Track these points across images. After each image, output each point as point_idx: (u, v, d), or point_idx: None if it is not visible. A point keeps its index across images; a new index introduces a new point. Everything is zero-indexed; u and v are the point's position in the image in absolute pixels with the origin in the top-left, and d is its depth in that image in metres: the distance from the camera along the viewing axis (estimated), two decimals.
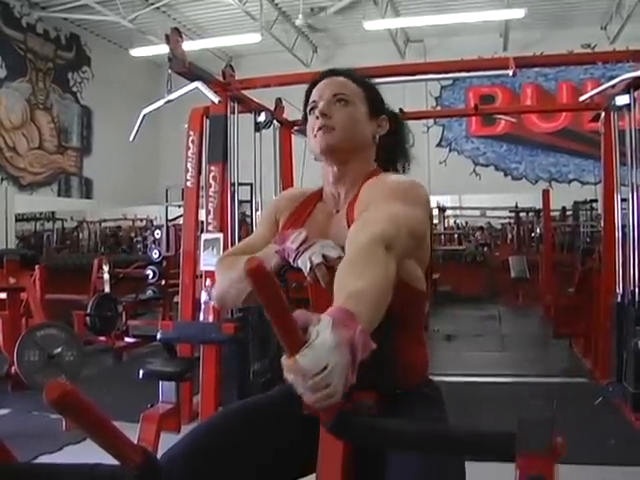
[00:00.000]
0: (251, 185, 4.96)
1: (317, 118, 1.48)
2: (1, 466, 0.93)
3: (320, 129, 1.47)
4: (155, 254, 7.14)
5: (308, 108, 1.54)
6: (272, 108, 5.05)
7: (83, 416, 0.78)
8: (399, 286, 1.18)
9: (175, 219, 8.12)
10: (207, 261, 4.14)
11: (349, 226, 1.38)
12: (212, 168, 4.30)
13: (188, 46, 4.27)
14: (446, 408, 1.49)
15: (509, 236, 13.70)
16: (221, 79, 4.42)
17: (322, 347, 0.90)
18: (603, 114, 4.98)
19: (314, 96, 1.53)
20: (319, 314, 0.97)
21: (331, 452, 1.32)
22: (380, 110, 1.59)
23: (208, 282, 4.07)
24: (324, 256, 1.27)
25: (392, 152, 1.64)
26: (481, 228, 14.29)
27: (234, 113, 4.42)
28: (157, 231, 7.54)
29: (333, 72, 1.58)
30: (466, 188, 13.51)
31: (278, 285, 0.88)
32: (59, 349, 4.22)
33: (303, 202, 1.60)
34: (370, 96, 1.56)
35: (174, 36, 3.93)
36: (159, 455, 1.30)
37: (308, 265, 1.28)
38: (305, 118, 1.58)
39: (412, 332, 1.52)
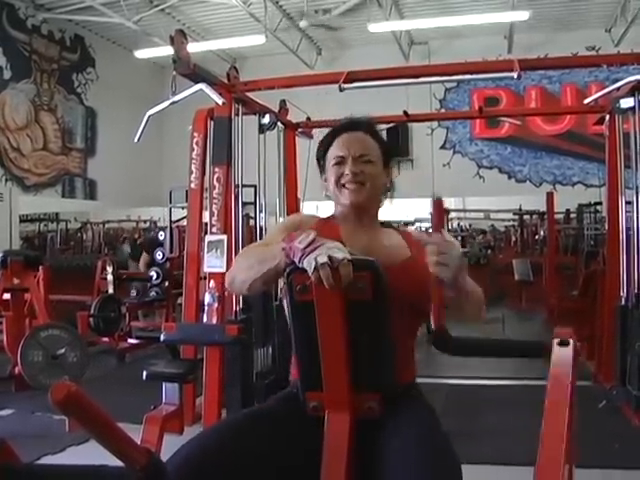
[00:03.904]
0: (255, 187, 4.95)
1: (346, 174, 1.73)
2: (6, 467, 0.93)
3: (351, 184, 1.73)
4: (159, 256, 7.14)
5: (333, 161, 1.77)
6: (276, 110, 5.05)
7: (88, 417, 0.78)
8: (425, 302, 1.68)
9: (179, 220, 8.12)
10: (211, 263, 4.14)
11: (411, 248, 1.74)
12: (216, 170, 4.30)
13: (192, 48, 4.27)
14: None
15: (513, 239, 13.69)
16: (225, 81, 4.42)
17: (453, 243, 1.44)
18: (607, 117, 4.97)
19: (340, 150, 1.76)
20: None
21: (336, 453, 1.32)
22: (390, 159, 1.84)
23: (212, 284, 4.07)
24: (330, 257, 1.28)
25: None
26: (485, 231, 14.27)
27: (238, 115, 4.42)
28: (161, 232, 7.54)
29: (353, 126, 1.81)
30: (470, 190, 13.49)
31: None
32: (62, 350, 4.23)
33: (322, 221, 1.82)
34: (384, 150, 1.81)
35: (178, 38, 3.93)
36: (163, 457, 1.30)
37: (313, 265, 1.29)
38: (320, 163, 1.85)
39: (412, 341, 1.70)
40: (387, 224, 1.87)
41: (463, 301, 1.58)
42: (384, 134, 2.02)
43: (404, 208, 9.71)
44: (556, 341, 1.42)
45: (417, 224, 12.47)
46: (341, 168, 1.74)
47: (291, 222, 1.85)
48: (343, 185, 1.74)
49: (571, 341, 1.41)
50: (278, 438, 1.46)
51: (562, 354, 1.41)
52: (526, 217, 12.82)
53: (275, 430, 1.48)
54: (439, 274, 1.41)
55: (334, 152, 1.77)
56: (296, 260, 1.34)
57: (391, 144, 1.93)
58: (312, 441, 1.41)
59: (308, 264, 1.30)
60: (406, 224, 11.53)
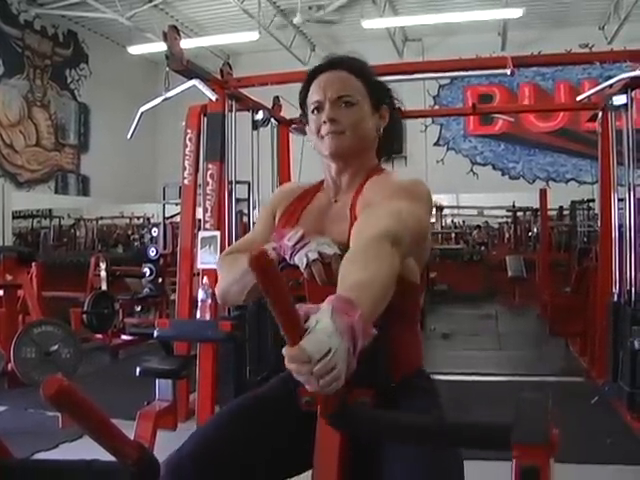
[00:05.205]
0: (248, 183, 4.96)
1: (324, 122, 1.50)
2: None
3: (329, 133, 1.49)
4: (152, 252, 7.13)
5: (311, 107, 1.54)
6: (270, 106, 5.04)
7: (80, 412, 0.78)
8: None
9: (172, 217, 8.12)
10: (204, 259, 4.14)
11: (351, 217, 1.43)
12: (209, 166, 4.30)
13: (186, 44, 4.27)
14: (441, 398, 1.51)
15: (506, 235, 13.72)
16: (219, 77, 4.41)
17: (324, 332, 0.93)
18: (600, 114, 4.99)
19: (317, 94, 1.53)
20: (319, 305, 0.98)
21: (328, 446, 1.32)
22: (381, 100, 1.59)
23: (205, 280, 4.07)
24: (320, 253, 1.28)
25: (389, 138, 1.63)
26: (478, 227, 14.30)
27: (232, 111, 4.42)
28: (154, 229, 7.53)
29: (332, 64, 1.58)
30: (463, 187, 13.51)
31: (281, 276, 0.90)
32: (55, 346, 4.22)
33: (300, 195, 1.62)
34: (371, 89, 1.57)
35: (172, 34, 3.93)
36: (156, 452, 1.30)
37: (304, 261, 1.29)
38: (304, 111, 1.60)
39: (407, 324, 1.54)
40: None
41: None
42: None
43: None
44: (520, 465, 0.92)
45: None
46: (320, 115, 1.52)
47: (273, 203, 1.66)
48: (323, 136, 1.51)
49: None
50: (271, 424, 1.47)
51: None
52: (519, 214, 12.85)
53: (269, 417, 1.49)
54: (325, 394, 0.98)
55: (311, 97, 1.55)
56: (287, 257, 1.34)
57: (380, 82, 1.63)
58: (307, 434, 1.41)
59: (299, 261, 1.30)
60: None
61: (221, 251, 4.09)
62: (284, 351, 0.93)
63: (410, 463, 1.29)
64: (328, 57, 1.62)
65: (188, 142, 4.42)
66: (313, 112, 1.54)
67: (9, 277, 4.86)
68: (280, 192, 1.71)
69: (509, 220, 13.37)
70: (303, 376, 0.92)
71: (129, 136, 4.54)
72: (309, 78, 1.58)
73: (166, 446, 1.43)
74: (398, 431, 1.09)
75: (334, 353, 0.91)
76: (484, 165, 13.82)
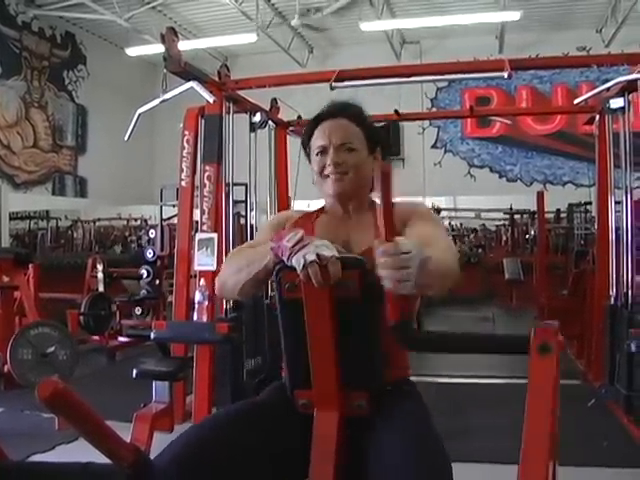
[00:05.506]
0: (246, 185, 4.95)
1: (328, 165, 1.70)
2: None
3: (333, 174, 1.70)
4: (149, 254, 7.13)
5: (316, 151, 1.73)
6: (267, 108, 5.04)
7: (75, 414, 0.78)
8: None
9: (170, 218, 8.11)
10: (201, 261, 4.13)
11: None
12: (207, 168, 4.29)
13: (184, 46, 4.26)
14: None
15: (503, 238, 13.72)
16: (216, 79, 4.41)
17: (410, 242, 1.22)
18: (597, 117, 4.99)
19: (322, 139, 1.72)
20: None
21: (324, 451, 1.32)
22: (376, 144, 1.79)
23: (202, 282, 4.06)
24: (318, 255, 1.29)
25: None
26: (475, 231, 14.31)
27: (229, 113, 4.41)
28: (151, 230, 7.53)
29: (334, 113, 1.77)
30: (461, 189, 13.52)
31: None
32: (52, 348, 4.22)
33: (303, 216, 1.80)
34: (368, 135, 1.76)
35: (169, 35, 3.92)
36: (152, 455, 1.29)
37: (302, 263, 1.29)
38: (306, 151, 1.82)
39: None
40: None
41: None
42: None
43: None
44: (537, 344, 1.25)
45: None
46: (324, 158, 1.72)
47: (278, 220, 1.84)
48: (327, 175, 1.71)
49: (553, 344, 1.25)
50: (267, 431, 1.46)
51: (544, 360, 1.26)
52: (517, 216, 12.85)
53: (264, 423, 1.48)
54: (397, 291, 1.21)
55: (316, 142, 1.74)
56: (285, 258, 1.34)
57: (376, 128, 1.87)
58: (301, 433, 1.41)
59: (297, 262, 1.31)
60: None
61: (218, 253, 4.09)
62: (377, 243, 1.20)
63: (402, 469, 1.30)
64: (330, 105, 1.81)
65: (185, 144, 4.42)
66: (317, 155, 1.73)
67: (6, 279, 4.85)
68: (286, 213, 1.95)
69: (506, 223, 13.38)
70: (388, 267, 1.18)
71: (126, 138, 4.52)
72: (313, 124, 1.78)
73: (163, 448, 1.42)
74: (448, 342, 1.44)
75: (414, 255, 1.19)
76: (481, 167, 13.84)
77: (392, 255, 1.17)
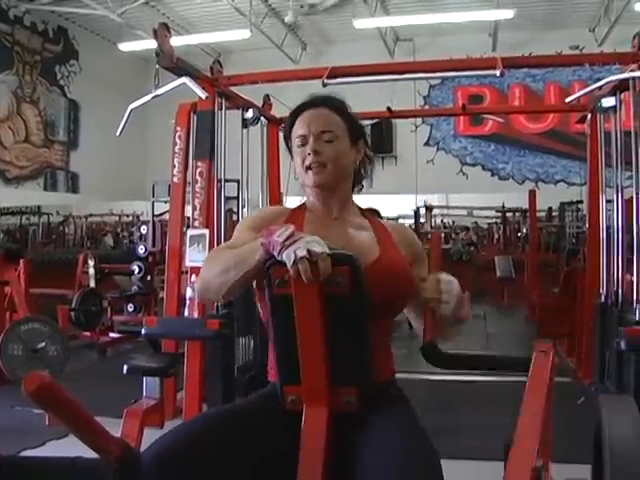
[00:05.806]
0: (238, 182, 4.93)
1: (308, 154, 1.65)
2: None
3: (313, 166, 1.65)
4: (141, 249, 7.11)
5: (296, 141, 1.69)
6: (260, 105, 5.03)
7: (62, 408, 0.77)
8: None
9: (161, 215, 8.10)
10: (192, 257, 4.12)
11: (381, 247, 1.68)
12: (199, 164, 4.28)
13: (176, 41, 4.25)
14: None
15: (495, 236, 13.76)
16: (209, 75, 4.40)
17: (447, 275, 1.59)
18: (589, 115, 5.00)
19: (301, 128, 1.68)
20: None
21: (313, 447, 1.32)
22: (358, 136, 1.75)
23: (193, 278, 4.06)
24: (308, 251, 1.28)
25: (361, 171, 1.81)
26: (466, 229, 14.34)
27: (221, 109, 4.39)
28: (143, 226, 7.52)
29: (315, 103, 1.73)
30: (453, 187, 13.55)
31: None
32: (43, 344, 4.21)
33: (291, 212, 1.75)
34: (350, 126, 1.72)
35: (162, 31, 3.90)
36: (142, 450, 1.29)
37: (292, 258, 1.29)
38: (288, 145, 1.77)
39: (387, 335, 1.68)
40: (366, 210, 1.81)
41: (456, 328, 1.72)
42: (368, 130, 1.94)
43: (387, 204, 9.75)
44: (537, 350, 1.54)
45: (400, 220, 12.51)
46: (305, 148, 1.67)
47: (256, 219, 1.76)
48: (309, 167, 1.66)
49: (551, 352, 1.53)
50: (254, 432, 1.46)
51: (542, 360, 1.54)
52: (509, 214, 12.88)
53: (252, 424, 1.48)
54: (440, 311, 1.54)
55: (297, 131, 1.70)
56: (275, 254, 1.34)
57: (358, 120, 1.80)
58: (290, 436, 1.41)
59: (287, 257, 1.30)
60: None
61: (210, 249, 4.08)
62: (441, 276, 1.58)
63: (391, 468, 1.31)
64: (311, 96, 1.76)
65: (178, 140, 4.41)
66: (299, 147, 1.69)
67: None
68: (266, 211, 1.93)
69: (498, 221, 13.41)
70: (446, 292, 1.54)
71: (118, 133, 4.50)
72: (294, 114, 1.73)
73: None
74: (469, 362, 1.96)
75: (455, 283, 1.57)
76: (474, 165, 13.88)
77: (441, 282, 1.53)
